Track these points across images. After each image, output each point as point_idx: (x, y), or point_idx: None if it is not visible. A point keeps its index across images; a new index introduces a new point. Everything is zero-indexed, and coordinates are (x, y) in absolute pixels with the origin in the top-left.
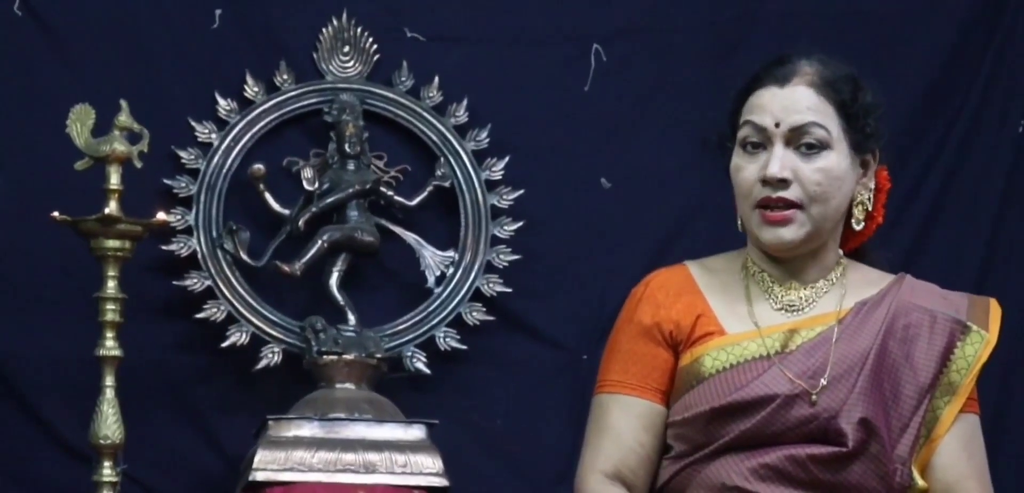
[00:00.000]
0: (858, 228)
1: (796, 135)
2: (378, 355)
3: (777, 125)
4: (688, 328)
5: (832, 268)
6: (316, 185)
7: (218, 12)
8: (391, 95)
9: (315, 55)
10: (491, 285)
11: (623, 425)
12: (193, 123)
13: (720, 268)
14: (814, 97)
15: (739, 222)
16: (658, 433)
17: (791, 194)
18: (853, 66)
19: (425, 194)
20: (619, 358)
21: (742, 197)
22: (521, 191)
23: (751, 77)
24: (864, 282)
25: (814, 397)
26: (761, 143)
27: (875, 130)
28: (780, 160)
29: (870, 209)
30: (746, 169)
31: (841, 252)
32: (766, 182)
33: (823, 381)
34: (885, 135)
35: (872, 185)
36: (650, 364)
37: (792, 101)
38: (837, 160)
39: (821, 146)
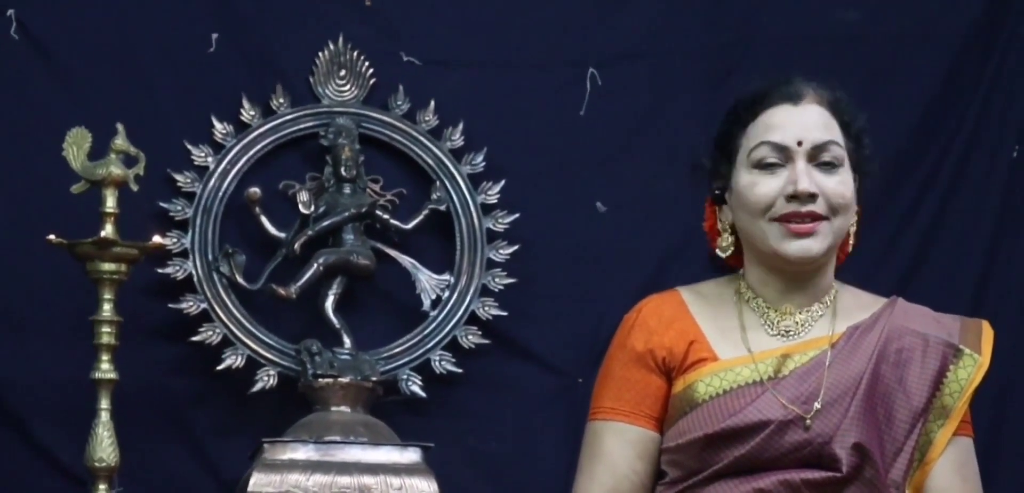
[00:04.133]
0: (850, 248)
1: (817, 153)
2: (373, 378)
3: (800, 143)
4: (681, 354)
5: (826, 291)
6: (312, 208)
7: (214, 36)
8: (387, 119)
9: (311, 79)
10: (487, 308)
11: (617, 452)
12: (189, 146)
13: (713, 294)
14: (827, 116)
15: (716, 251)
16: (652, 460)
17: (818, 207)
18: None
19: (421, 217)
20: (612, 385)
21: (758, 213)
22: (517, 215)
23: (756, 97)
24: (856, 306)
25: (808, 422)
26: (779, 162)
27: (871, 152)
28: (808, 175)
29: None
30: (764, 184)
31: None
32: (793, 197)
33: (817, 406)
34: (876, 160)
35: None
36: (643, 391)
37: (810, 119)
38: (849, 177)
39: (837, 163)
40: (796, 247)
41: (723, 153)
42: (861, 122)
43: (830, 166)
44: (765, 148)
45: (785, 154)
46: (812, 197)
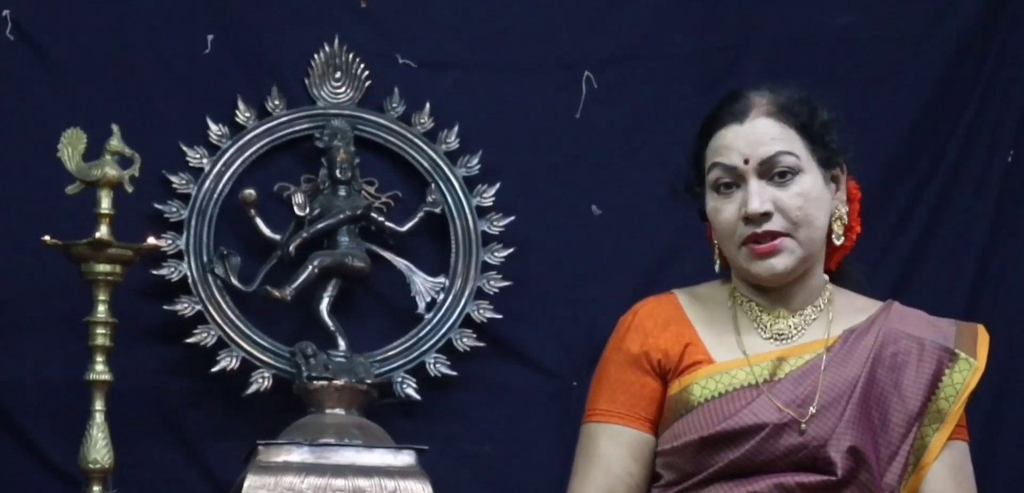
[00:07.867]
0: (839, 243)
1: (767, 167)
2: (368, 381)
3: (746, 161)
4: (676, 357)
5: (819, 294)
6: (307, 211)
7: (210, 37)
8: (382, 121)
9: (307, 81)
10: (481, 311)
11: (611, 454)
12: (184, 148)
13: (708, 296)
14: (775, 126)
15: (716, 262)
16: (646, 462)
17: (775, 225)
18: (805, 87)
19: (416, 220)
20: (607, 387)
21: (726, 237)
22: (512, 217)
23: (707, 119)
24: (851, 309)
25: (803, 426)
26: (734, 182)
27: (839, 144)
28: (758, 195)
29: (847, 222)
30: (725, 210)
31: (826, 277)
32: (748, 219)
33: (812, 409)
34: (850, 148)
35: (846, 198)
36: (638, 393)
37: (755, 135)
38: (811, 181)
39: (794, 171)
40: (761, 268)
41: (697, 174)
42: (823, 116)
43: (784, 176)
44: (717, 170)
45: (736, 174)
46: (765, 216)
